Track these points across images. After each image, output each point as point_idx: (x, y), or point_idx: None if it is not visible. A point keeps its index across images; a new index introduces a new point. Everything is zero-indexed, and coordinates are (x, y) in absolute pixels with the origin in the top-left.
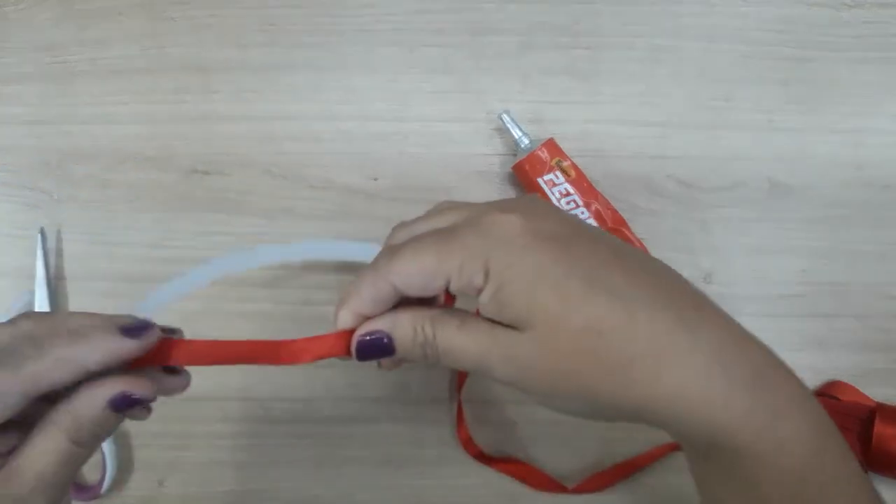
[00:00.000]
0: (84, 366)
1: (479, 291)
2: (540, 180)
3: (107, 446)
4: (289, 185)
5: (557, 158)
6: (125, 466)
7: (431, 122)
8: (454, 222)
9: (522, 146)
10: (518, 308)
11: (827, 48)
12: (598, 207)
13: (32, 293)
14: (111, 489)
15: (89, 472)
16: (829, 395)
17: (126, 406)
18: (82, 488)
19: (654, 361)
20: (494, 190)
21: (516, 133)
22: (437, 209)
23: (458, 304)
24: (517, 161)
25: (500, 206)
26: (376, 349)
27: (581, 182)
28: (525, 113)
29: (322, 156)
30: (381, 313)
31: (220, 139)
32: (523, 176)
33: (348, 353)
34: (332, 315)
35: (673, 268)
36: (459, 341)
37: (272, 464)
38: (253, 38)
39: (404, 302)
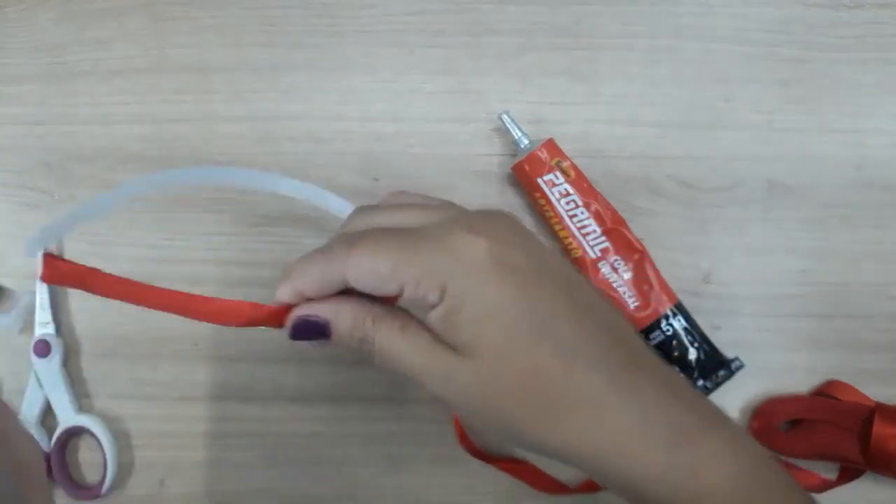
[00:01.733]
0: None
1: (431, 308)
2: (540, 180)
3: (108, 446)
4: None
5: (557, 159)
6: (126, 466)
7: (431, 123)
8: (420, 224)
9: (522, 146)
10: (465, 336)
11: (827, 48)
12: (598, 207)
13: (33, 293)
14: (112, 489)
15: (90, 472)
16: (829, 395)
17: None
18: (83, 488)
19: (584, 417)
20: (494, 190)
21: (516, 133)
22: (399, 200)
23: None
24: (517, 161)
25: (469, 224)
26: (312, 332)
27: (581, 182)
28: (525, 113)
29: (322, 156)
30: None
31: (221, 139)
32: (523, 176)
33: (281, 325)
34: None
35: (622, 316)
36: (397, 347)
37: (272, 463)
38: (253, 39)
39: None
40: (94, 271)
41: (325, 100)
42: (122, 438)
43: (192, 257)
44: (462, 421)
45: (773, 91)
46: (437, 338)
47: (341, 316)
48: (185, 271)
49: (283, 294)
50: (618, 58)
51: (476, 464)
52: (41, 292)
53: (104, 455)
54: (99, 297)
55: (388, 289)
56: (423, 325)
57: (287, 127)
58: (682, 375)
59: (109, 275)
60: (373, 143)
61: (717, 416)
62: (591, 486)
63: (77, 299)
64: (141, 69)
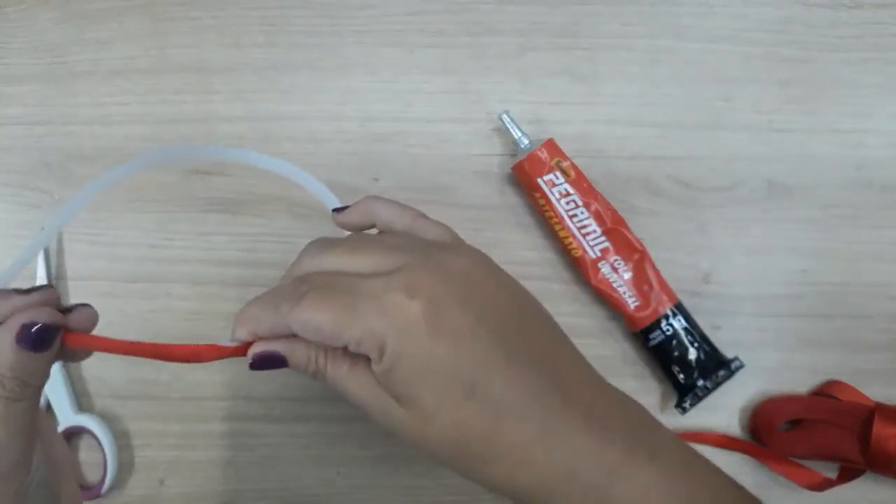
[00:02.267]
0: None
1: (374, 363)
2: (539, 180)
3: (108, 446)
4: (289, 186)
5: (557, 159)
6: (126, 466)
7: (431, 123)
8: (370, 269)
9: (522, 146)
10: (402, 390)
11: (826, 48)
12: (598, 207)
13: None
14: (112, 488)
15: (90, 472)
16: (829, 395)
17: (36, 340)
18: (83, 488)
19: (510, 467)
20: (494, 190)
21: (516, 133)
22: (351, 241)
23: None
24: (517, 161)
25: (406, 283)
26: (270, 365)
27: (580, 182)
28: (525, 113)
29: (322, 156)
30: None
31: (221, 140)
32: (523, 176)
33: (243, 354)
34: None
35: (570, 346)
36: (345, 383)
37: (272, 463)
38: (253, 39)
39: None
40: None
41: (325, 100)
42: (121, 438)
43: (192, 257)
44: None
45: (772, 91)
46: (379, 381)
47: (295, 352)
48: (185, 271)
49: (241, 334)
50: (618, 58)
51: None
52: None
53: (104, 455)
54: (97, 298)
55: (332, 344)
56: (370, 369)
57: (287, 127)
58: (623, 396)
59: (90, 337)
60: (373, 143)
61: (655, 445)
62: None
63: (77, 299)
64: (141, 69)
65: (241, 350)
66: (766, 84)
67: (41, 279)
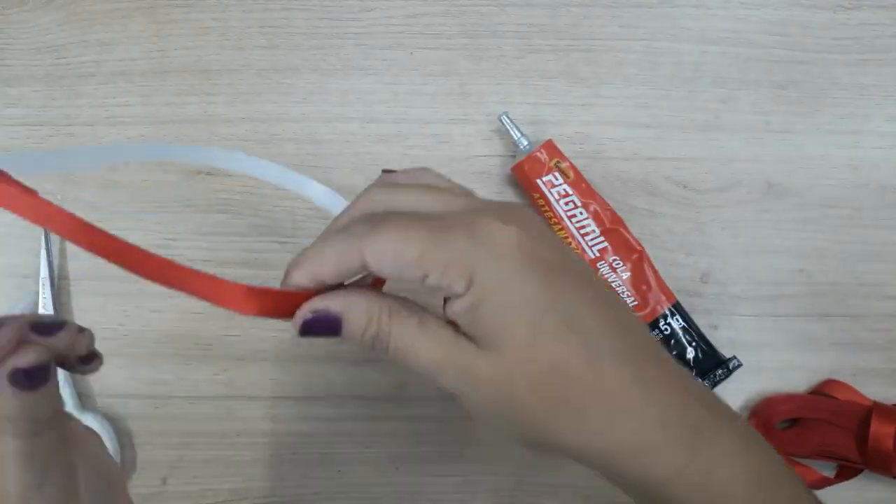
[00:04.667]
0: None
1: (456, 297)
2: (539, 181)
3: (110, 445)
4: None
5: (556, 160)
6: (128, 465)
7: (431, 124)
8: (444, 209)
9: (521, 147)
10: (490, 328)
11: (823, 50)
12: (597, 208)
13: (36, 293)
14: None
15: None
16: (826, 394)
17: (30, 380)
18: None
19: (606, 414)
20: (494, 191)
21: (515, 134)
22: (423, 179)
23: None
24: (516, 162)
25: (498, 214)
26: (322, 329)
27: (579, 183)
28: (524, 115)
29: (323, 157)
30: (336, 287)
31: (222, 141)
32: (522, 177)
33: (290, 315)
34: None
35: (635, 313)
36: (415, 342)
37: (273, 463)
38: (254, 41)
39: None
40: (64, 214)
41: (325, 101)
42: (123, 437)
43: (192, 257)
44: (475, 418)
45: (770, 92)
46: (457, 332)
47: (354, 310)
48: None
49: (298, 279)
50: (616, 60)
51: (476, 463)
52: (43, 292)
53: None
54: (100, 298)
55: (410, 275)
56: (440, 320)
57: (288, 128)
58: (690, 372)
59: (91, 226)
60: (373, 144)
61: (728, 413)
62: None
63: (79, 300)
64: (143, 71)
65: (286, 307)
66: (763, 85)
67: (44, 279)
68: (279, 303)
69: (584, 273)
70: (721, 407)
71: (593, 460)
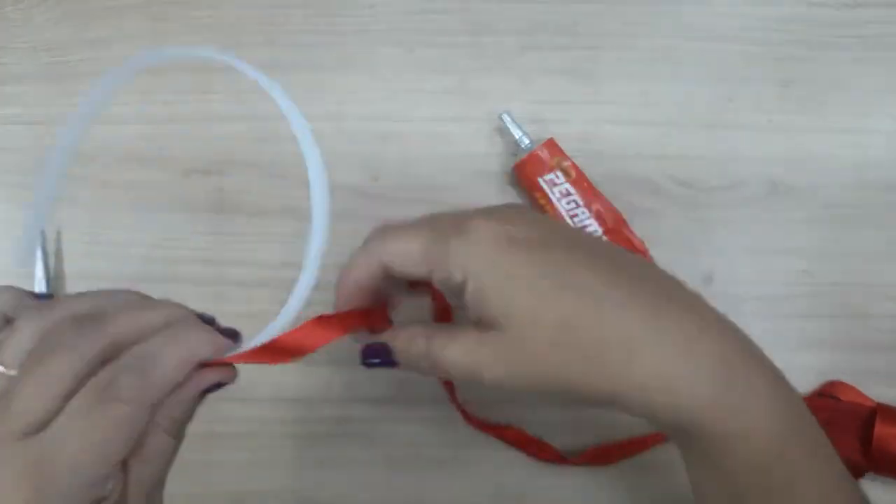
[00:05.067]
0: (195, 363)
1: (462, 289)
2: (540, 180)
3: None
4: (288, 185)
5: (558, 158)
6: None
7: (432, 122)
8: (443, 227)
9: (523, 146)
10: (495, 306)
11: (828, 48)
12: (599, 207)
13: None
14: None
15: None
16: (830, 396)
17: (211, 391)
18: None
19: (625, 349)
20: (495, 190)
21: (517, 133)
22: (423, 218)
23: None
24: (518, 161)
25: (484, 212)
26: (377, 356)
27: (581, 182)
28: (525, 113)
29: (322, 155)
30: (372, 289)
31: (220, 139)
32: (524, 176)
33: (347, 332)
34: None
35: (655, 264)
36: (450, 351)
37: (273, 464)
38: (252, 39)
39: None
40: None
41: (324, 99)
42: None
43: (192, 257)
44: (515, 397)
45: (773, 91)
46: (482, 331)
47: (396, 337)
48: (185, 271)
49: (343, 293)
50: (619, 57)
51: (476, 465)
52: (41, 293)
53: None
54: None
55: (419, 271)
56: (470, 327)
57: (286, 126)
58: (713, 309)
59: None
60: (373, 142)
61: (756, 351)
62: (593, 459)
63: None
64: (140, 69)
65: (341, 327)
66: (767, 83)
67: (40, 279)
68: (344, 321)
69: (574, 239)
70: (749, 344)
71: (623, 401)
